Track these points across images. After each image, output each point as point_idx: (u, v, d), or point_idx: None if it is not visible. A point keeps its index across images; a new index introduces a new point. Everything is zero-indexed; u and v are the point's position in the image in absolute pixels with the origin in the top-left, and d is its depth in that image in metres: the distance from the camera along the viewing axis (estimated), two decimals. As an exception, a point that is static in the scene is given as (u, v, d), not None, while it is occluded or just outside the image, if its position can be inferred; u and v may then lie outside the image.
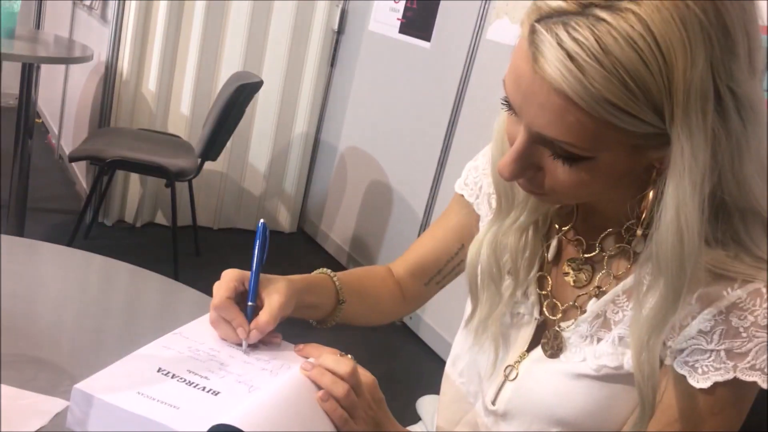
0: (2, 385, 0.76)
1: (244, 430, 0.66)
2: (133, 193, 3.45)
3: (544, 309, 0.90)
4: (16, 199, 2.88)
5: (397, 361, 2.84)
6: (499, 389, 0.91)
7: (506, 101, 0.74)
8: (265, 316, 0.87)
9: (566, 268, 0.89)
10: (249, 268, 0.89)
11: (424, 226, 2.98)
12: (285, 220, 3.87)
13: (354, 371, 0.80)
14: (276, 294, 0.88)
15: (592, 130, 0.67)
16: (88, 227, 3.21)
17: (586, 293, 0.87)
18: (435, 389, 1.17)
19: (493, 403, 0.91)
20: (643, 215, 0.78)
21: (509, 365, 0.91)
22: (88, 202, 2.97)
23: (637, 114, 0.66)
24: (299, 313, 0.95)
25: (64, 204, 3.54)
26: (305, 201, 3.93)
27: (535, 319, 0.90)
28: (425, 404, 1.16)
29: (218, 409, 0.72)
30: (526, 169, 0.75)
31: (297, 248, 3.73)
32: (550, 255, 0.90)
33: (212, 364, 0.81)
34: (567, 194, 0.76)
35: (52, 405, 0.75)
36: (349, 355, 0.85)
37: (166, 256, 2.98)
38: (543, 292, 0.90)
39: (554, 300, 0.89)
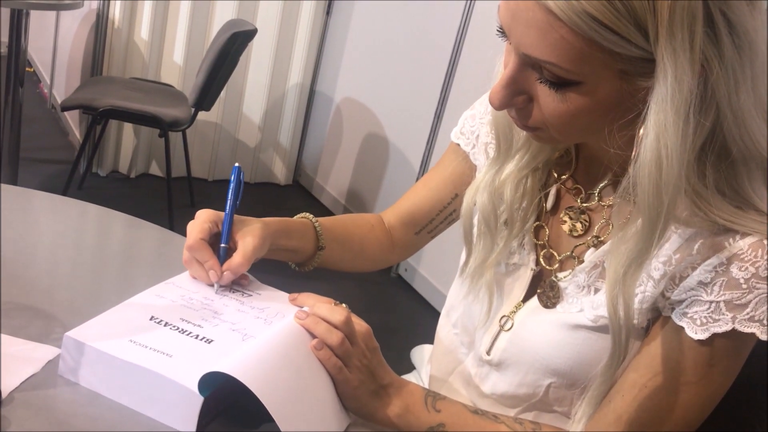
0: (10, 336, 0.76)
1: (237, 377, 0.65)
2: (126, 144, 3.42)
3: (541, 259, 0.89)
4: (9, 149, 2.84)
5: (392, 312, 2.85)
6: (494, 339, 0.91)
7: (501, 29, 0.72)
8: (238, 258, 0.86)
9: (564, 217, 0.87)
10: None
11: (420, 178, 2.96)
12: (280, 173, 3.85)
13: (348, 320, 0.79)
14: (250, 236, 0.88)
15: (578, 49, 0.66)
16: (82, 177, 3.18)
17: (584, 243, 0.86)
18: (429, 340, 1.16)
19: (488, 353, 0.91)
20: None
21: (504, 315, 0.90)
22: (82, 152, 2.94)
23: (621, 32, 0.64)
24: (276, 255, 0.94)
25: (58, 154, 3.51)
26: (300, 153, 3.91)
27: (531, 269, 0.89)
28: (419, 354, 1.16)
29: (212, 357, 0.71)
30: (515, 95, 0.73)
31: (292, 201, 3.71)
32: (549, 204, 0.89)
33: (206, 312, 0.80)
34: (558, 127, 0.74)
35: (43, 352, 0.74)
36: (344, 305, 0.85)
37: (160, 207, 2.97)
38: (540, 242, 0.89)
39: (551, 250, 0.89)
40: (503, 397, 0.91)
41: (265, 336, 0.75)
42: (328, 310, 0.80)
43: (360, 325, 0.81)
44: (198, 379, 0.66)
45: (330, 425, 0.73)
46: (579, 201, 0.86)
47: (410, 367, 1.22)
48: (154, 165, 3.55)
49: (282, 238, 0.94)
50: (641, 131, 0.69)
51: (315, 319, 0.79)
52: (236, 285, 0.89)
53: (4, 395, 0.66)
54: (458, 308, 0.98)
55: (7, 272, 0.89)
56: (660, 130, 0.66)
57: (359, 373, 0.80)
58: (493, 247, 0.89)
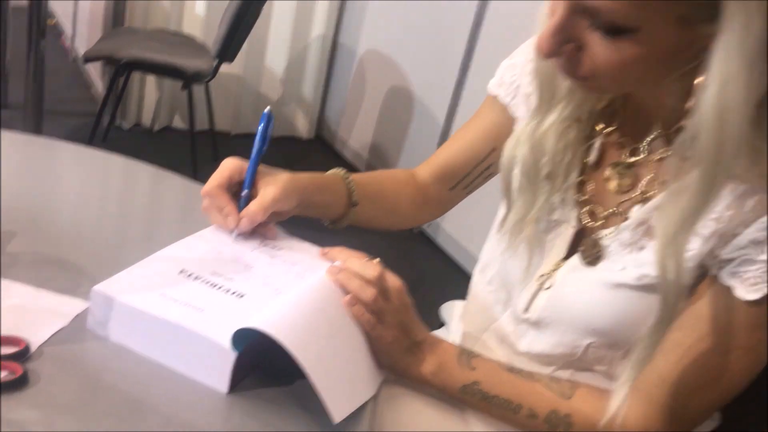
0: (23, 286, 0.74)
1: (271, 334, 0.63)
2: (149, 96, 3.39)
3: (583, 215, 0.85)
4: (32, 101, 2.82)
5: (415, 268, 2.82)
6: (533, 298, 0.88)
7: None
8: (255, 206, 0.83)
9: (608, 173, 0.84)
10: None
11: (445, 132, 2.91)
12: (302, 126, 3.81)
13: (381, 275, 0.77)
14: (272, 186, 0.85)
15: None
16: (105, 130, 3.17)
17: (629, 199, 0.82)
18: (454, 296, 1.14)
19: (526, 311, 0.88)
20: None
21: (544, 273, 0.87)
22: (104, 104, 2.91)
23: None
24: (308, 211, 0.91)
25: (81, 107, 3.49)
26: (323, 106, 3.86)
27: (573, 226, 0.86)
28: (449, 310, 1.14)
29: (244, 311, 0.69)
30: (564, 43, 0.69)
31: (314, 155, 3.68)
32: (592, 158, 0.85)
33: (237, 266, 0.78)
34: (609, 76, 0.70)
35: (72, 306, 0.72)
36: (377, 259, 0.82)
37: (184, 161, 2.95)
38: (583, 198, 0.86)
39: (594, 206, 0.85)
40: (540, 356, 0.89)
41: (298, 291, 0.73)
42: (361, 265, 0.77)
43: (393, 280, 0.78)
44: (231, 335, 0.64)
45: (364, 382, 0.71)
46: (625, 155, 0.82)
47: (435, 324, 1.20)
48: (176, 118, 3.53)
49: (314, 193, 0.91)
50: (701, 81, 0.64)
51: (348, 274, 0.76)
52: (265, 238, 0.86)
53: (33, 348, 0.65)
54: (494, 265, 0.95)
55: (34, 224, 0.87)
56: (724, 80, 0.62)
57: (393, 330, 0.77)
58: (533, 201, 0.86)
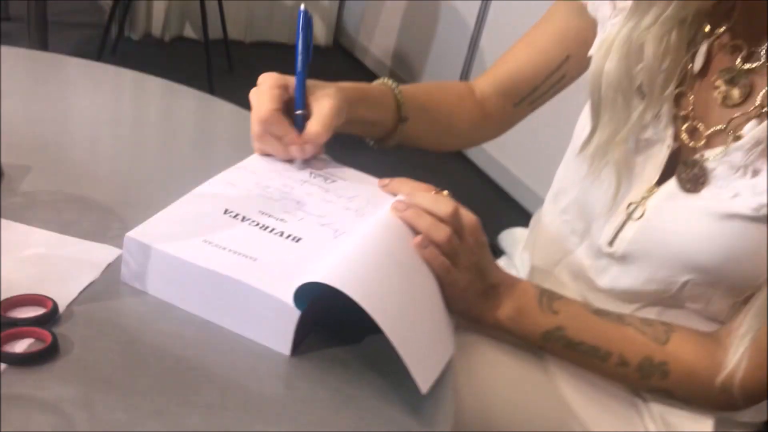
0: (43, 232, 0.64)
1: (345, 290, 0.53)
2: (158, 5, 3.21)
3: (682, 134, 0.74)
4: (36, 12, 2.66)
5: (451, 190, 2.68)
6: (619, 229, 0.77)
7: None
8: (315, 126, 0.72)
9: (716, 82, 0.71)
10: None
11: (475, 38, 2.73)
12: (320, 33, 3.62)
13: (456, 212, 0.66)
14: (326, 99, 0.74)
15: None
16: (114, 42, 3.01)
17: (742, 114, 0.70)
18: (500, 222, 1.04)
19: (610, 244, 0.78)
20: None
21: (633, 202, 0.76)
22: (112, 14, 2.75)
23: None
24: (353, 128, 0.80)
25: (88, 17, 3.32)
26: (341, 11, 3.65)
27: (669, 146, 0.74)
28: (510, 237, 1.04)
29: (302, 259, 0.59)
30: None
31: (333, 64, 3.51)
32: (697, 65, 0.73)
33: (287, 203, 0.67)
34: None
35: (101, 254, 0.62)
36: (445, 192, 0.71)
37: (198, 72, 2.81)
38: (682, 113, 0.74)
39: (696, 122, 0.73)
40: (625, 293, 0.79)
41: (362, 234, 0.62)
42: (432, 200, 0.66)
43: (468, 216, 0.68)
44: (293, 290, 0.54)
45: (443, 338, 0.61)
46: (738, 61, 0.70)
47: (495, 253, 1.10)
48: (188, 27, 3.35)
49: (360, 106, 0.79)
50: None
51: (417, 211, 0.66)
52: (313, 167, 0.75)
53: (61, 308, 0.55)
54: (570, 191, 0.84)
55: (49, 156, 0.76)
56: None
57: (468, 273, 0.67)
58: (624, 119, 0.74)
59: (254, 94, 0.75)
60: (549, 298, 0.73)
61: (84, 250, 0.62)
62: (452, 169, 2.66)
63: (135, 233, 0.58)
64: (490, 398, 0.74)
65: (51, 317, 0.54)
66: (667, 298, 0.76)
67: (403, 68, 3.24)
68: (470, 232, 0.68)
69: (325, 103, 0.74)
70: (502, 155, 2.61)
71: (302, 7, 0.77)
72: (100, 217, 0.67)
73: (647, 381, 0.73)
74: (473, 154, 2.78)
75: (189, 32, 3.35)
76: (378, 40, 3.42)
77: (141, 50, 3.16)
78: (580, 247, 0.83)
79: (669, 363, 0.72)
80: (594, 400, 0.77)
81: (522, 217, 2.43)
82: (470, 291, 0.69)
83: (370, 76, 3.38)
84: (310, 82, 0.76)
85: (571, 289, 0.86)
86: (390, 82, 0.86)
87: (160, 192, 0.71)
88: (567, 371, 0.77)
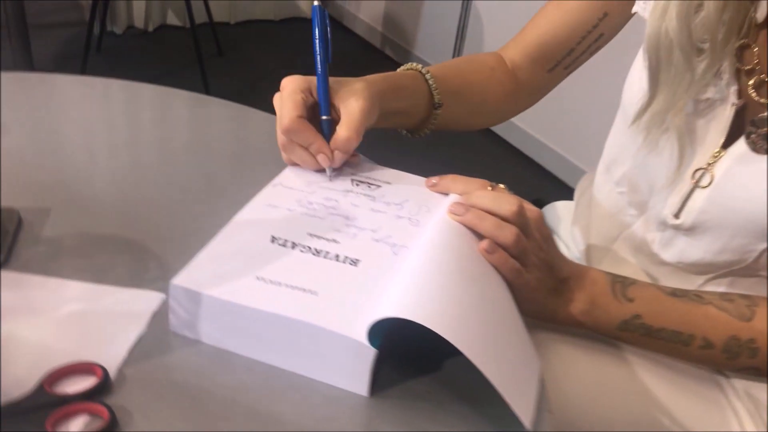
0: (76, 284, 0.58)
1: (424, 323, 0.47)
2: (137, -5, 3.11)
3: (749, 89, 0.68)
4: (14, 16, 2.57)
5: (486, 170, 2.56)
6: (686, 199, 0.72)
7: None
8: (344, 131, 0.67)
9: (786, 31, 0.65)
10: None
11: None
12: (306, 4, 3.51)
13: (521, 210, 0.60)
14: (353, 99, 0.68)
15: None
16: (98, 39, 2.92)
17: (817, 64, 0.64)
18: (540, 197, 0.98)
19: (676, 216, 0.72)
20: None
21: (699, 168, 0.70)
22: (94, 10, 2.65)
23: None
24: (384, 122, 0.74)
25: (68, 16, 3.21)
26: (325, -21, 3.54)
27: (733, 104, 0.68)
28: (552, 212, 0.98)
29: (365, 286, 0.54)
30: None
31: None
32: (760, 14, 0.66)
33: (335, 220, 0.61)
34: None
35: (145, 302, 0.57)
36: (502, 185, 0.66)
37: (188, 61, 2.72)
38: (746, 68, 0.68)
39: (763, 76, 0.67)
40: (694, 265, 0.74)
41: (424, 249, 0.57)
42: (492, 198, 0.61)
43: (531, 210, 0.62)
44: (366, 327, 0.49)
45: (525, 348, 0.56)
46: None
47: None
48: (170, 15, 3.25)
49: (391, 99, 0.74)
50: None
51: (478, 213, 0.60)
52: (352, 171, 0.70)
53: (112, 374, 0.50)
54: (624, 162, 0.78)
55: (64, 193, 0.70)
56: None
57: (537, 272, 0.62)
58: (684, 79, 0.68)
59: (277, 100, 0.69)
60: (622, 285, 0.68)
61: (124, 300, 0.57)
62: (476, 143, 2.57)
63: (181, 280, 0.53)
64: (571, 398, 0.69)
65: (103, 387, 0.49)
66: (741, 268, 0.71)
67: (396, 31, 3.15)
68: (536, 227, 0.62)
69: (353, 104, 0.68)
70: (528, 124, 2.53)
71: (316, 2, 0.70)
72: (134, 257, 0.62)
73: (734, 361, 0.68)
74: (498, 126, 2.70)
75: (172, 19, 3.25)
76: (366, 5, 3.32)
77: (126, 44, 3.07)
78: (640, 220, 0.78)
79: (757, 340, 0.67)
80: (676, 384, 0.73)
81: (557, 188, 2.35)
82: (541, 290, 0.64)
83: (362, 43, 3.29)
84: (334, 81, 0.70)
85: (632, 265, 0.81)
86: (419, 66, 0.80)
87: (194, 218, 0.66)
88: (645, 358, 0.72)
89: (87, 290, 0.58)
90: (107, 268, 0.60)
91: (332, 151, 0.68)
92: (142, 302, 0.57)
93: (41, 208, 0.66)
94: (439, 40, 2.85)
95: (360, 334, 0.49)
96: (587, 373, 0.70)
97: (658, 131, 0.71)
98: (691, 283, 0.75)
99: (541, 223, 0.63)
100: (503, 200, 0.60)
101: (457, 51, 2.74)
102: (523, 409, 0.47)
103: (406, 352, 0.54)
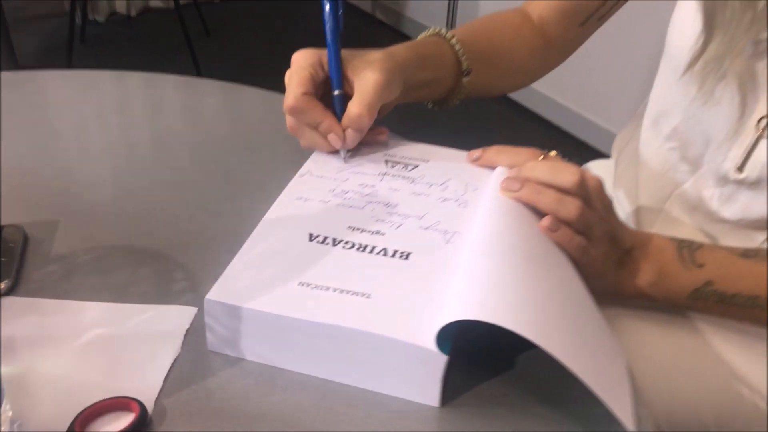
0: (97, 305, 0.52)
1: (504, 326, 0.41)
2: (117, -21, 3.01)
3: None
4: (-8, 13, 2.48)
5: (496, 133, 2.46)
6: (749, 151, 0.65)
7: None
8: (356, 107, 0.61)
9: None
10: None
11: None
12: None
13: (582, 180, 0.54)
14: (369, 70, 0.62)
15: None
16: (81, 29, 2.83)
17: None
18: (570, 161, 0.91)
19: (739, 170, 0.66)
20: None
21: (763, 117, 0.64)
22: (74, 0, 2.56)
23: None
24: (408, 96, 0.68)
25: (48, 7, 3.12)
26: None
27: (796, 42, 0.62)
28: (594, 172, 0.92)
29: (422, 282, 0.48)
30: None
31: (308, 5, 3.31)
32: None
33: (376, 209, 0.55)
34: None
35: (175, 319, 0.51)
36: (553, 152, 0.59)
37: (175, 43, 2.63)
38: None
39: (833, 9, 0.60)
40: (757, 221, 0.68)
41: (479, 234, 0.51)
42: (550, 169, 0.55)
43: (592, 179, 0.56)
44: (433, 332, 0.43)
45: (604, 335, 0.50)
46: None
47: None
48: (152, -3, 3.16)
49: (415, 70, 0.67)
50: None
51: (535, 187, 0.54)
52: (386, 152, 0.63)
53: (150, 407, 0.44)
54: (674, 115, 0.72)
55: (71, 203, 0.64)
56: None
57: (602, 245, 0.56)
58: (742, 19, 0.61)
59: (287, 78, 0.63)
60: (689, 250, 0.62)
61: (152, 319, 0.51)
62: (492, 111, 2.48)
63: (216, 294, 0.47)
64: (644, 376, 0.63)
65: (142, 424, 0.43)
66: None
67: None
68: (597, 197, 0.56)
69: (367, 77, 0.61)
70: (546, 87, 2.43)
71: None
72: (156, 269, 0.56)
73: None
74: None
75: (155, 2, 3.16)
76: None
77: (110, 31, 2.98)
78: (694, 177, 0.72)
79: (837, 298, 0.61)
80: (748, 348, 0.67)
81: (583, 151, 2.26)
82: (607, 265, 0.58)
83: (350, 9, 3.19)
84: (349, 53, 0.64)
85: (686, 225, 0.75)
86: (443, 31, 0.73)
87: (215, 218, 0.60)
88: (717, 326, 0.66)
89: (109, 311, 0.52)
90: (128, 284, 0.54)
91: (344, 130, 0.62)
92: (173, 319, 0.51)
93: (48, 222, 0.60)
94: (431, 0, 2.77)
95: (427, 340, 0.43)
96: (659, 348, 0.65)
97: (714, 79, 0.64)
98: (753, 240, 0.69)
99: (602, 191, 0.57)
100: (562, 170, 0.54)
101: (452, 11, 2.65)
102: (623, 409, 0.41)
103: (473, 354, 0.48)
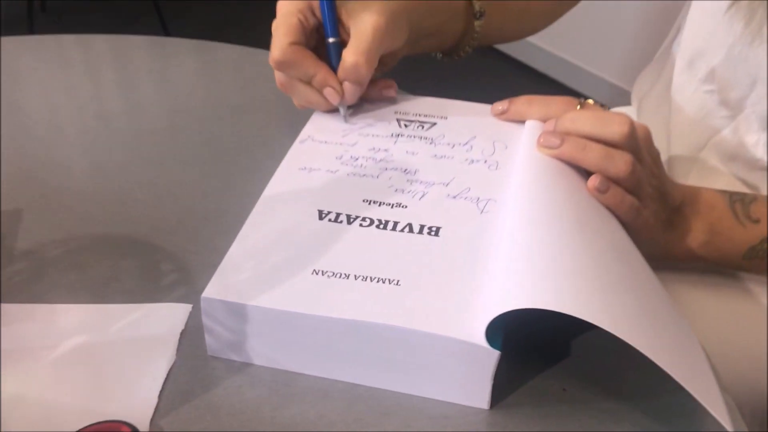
0: (73, 308, 0.44)
1: (578, 315, 0.34)
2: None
3: None
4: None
5: (493, 88, 2.32)
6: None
7: None
8: (351, 56, 0.53)
9: None
10: None
11: None
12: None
13: (632, 130, 0.47)
14: (366, 14, 0.54)
15: None
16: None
17: None
18: None
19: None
20: None
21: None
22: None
23: None
24: (416, 47, 0.61)
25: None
26: None
27: None
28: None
29: (460, 263, 0.40)
30: None
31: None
32: None
33: (394, 176, 0.47)
34: None
35: (166, 320, 0.43)
36: (590, 100, 0.52)
37: (140, 6, 2.50)
38: None
39: None
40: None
41: (519, 201, 0.43)
42: (595, 120, 0.47)
43: (641, 128, 0.49)
44: (484, 324, 0.36)
45: (671, 312, 0.43)
46: None
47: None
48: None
49: (424, 15, 0.59)
50: None
51: (579, 142, 0.47)
52: (396, 108, 0.55)
53: (144, 429, 0.37)
54: (714, 55, 0.64)
55: (37, 187, 0.55)
56: None
57: (653, 204, 0.50)
58: None
59: (273, 28, 0.55)
60: (742, 204, 0.55)
61: (140, 321, 0.43)
62: (477, 63, 2.36)
63: (214, 290, 0.39)
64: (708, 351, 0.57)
65: (136, 454, 0.36)
66: None
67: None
68: (647, 149, 0.49)
69: (365, 21, 0.53)
70: (544, 41, 2.32)
71: None
72: (140, 260, 0.48)
73: None
74: (510, 46, 2.49)
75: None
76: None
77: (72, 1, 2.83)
78: (735, 122, 0.65)
79: None
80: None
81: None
82: (657, 225, 0.51)
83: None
84: None
85: (724, 174, 0.68)
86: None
87: (205, 197, 0.52)
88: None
89: (88, 314, 0.44)
90: (108, 281, 0.46)
91: (341, 83, 0.54)
92: (164, 320, 0.43)
93: (9, 212, 0.51)
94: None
95: (475, 333, 0.36)
96: (714, 314, 0.58)
97: (765, 13, 0.57)
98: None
99: (652, 142, 0.50)
100: (608, 120, 0.47)
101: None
102: (716, 405, 0.34)
103: (519, 343, 0.41)
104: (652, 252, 0.52)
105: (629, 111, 0.82)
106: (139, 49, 0.78)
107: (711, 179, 0.67)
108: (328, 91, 0.54)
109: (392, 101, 0.56)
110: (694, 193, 0.55)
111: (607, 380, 0.40)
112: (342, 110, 0.54)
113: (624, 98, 0.85)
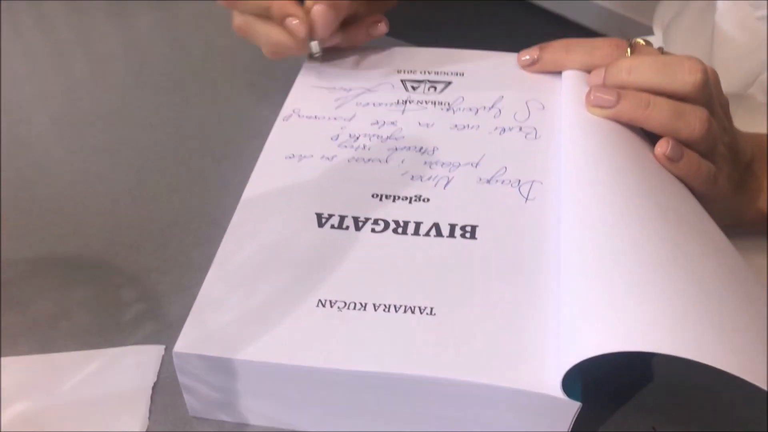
0: (13, 361, 0.34)
1: (687, 356, 0.25)
2: None
3: None
4: None
5: (500, 29, 2.16)
6: None
7: None
8: None
9: None
10: None
11: None
12: None
13: (707, 78, 0.37)
14: None
15: None
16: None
17: None
18: None
19: None
20: None
21: None
22: None
23: None
24: None
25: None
26: None
27: None
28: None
29: (508, 276, 0.31)
30: None
31: None
32: None
33: (406, 157, 0.37)
34: None
35: (135, 370, 0.34)
36: (641, 40, 0.42)
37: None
38: None
39: None
40: None
41: (576, 183, 0.33)
42: (658, 68, 0.37)
43: (711, 73, 0.39)
44: (562, 371, 0.26)
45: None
46: None
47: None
48: None
49: None
50: None
51: (640, 97, 0.37)
52: (397, 65, 0.45)
53: None
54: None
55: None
56: None
57: (726, 166, 0.41)
58: None
59: None
60: (821, 153, 0.46)
61: (99, 374, 0.34)
62: (478, 6, 2.20)
63: (188, 343, 0.29)
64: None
65: None
66: None
67: None
68: (719, 100, 0.39)
69: None
70: None
71: None
72: (94, 288, 0.38)
73: None
74: None
75: None
76: None
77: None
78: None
79: None
80: None
81: (588, 36, 2.02)
82: (729, 189, 0.42)
83: None
84: None
85: (769, 117, 0.58)
86: None
87: (170, 197, 0.42)
88: None
89: (31, 368, 0.34)
90: (55, 319, 0.36)
91: (307, 12, 0.42)
92: (131, 370, 0.33)
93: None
94: None
95: (548, 381, 0.26)
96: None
97: None
98: None
99: (720, 88, 0.40)
100: (675, 67, 0.37)
101: None
102: None
103: (602, 388, 0.32)
104: (726, 220, 0.43)
105: (653, 41, 0.72)
106: (99, 16, 0.66)
107: (761, 120, 0.58)
108: (290, 22, 0.42)
109: (391, 56, 0.46)
110: (761, 143, 0.45)
111: (700, 417, 0.31)
112: (313, 47, 0.43)
113: (631, 27, 0.75)
